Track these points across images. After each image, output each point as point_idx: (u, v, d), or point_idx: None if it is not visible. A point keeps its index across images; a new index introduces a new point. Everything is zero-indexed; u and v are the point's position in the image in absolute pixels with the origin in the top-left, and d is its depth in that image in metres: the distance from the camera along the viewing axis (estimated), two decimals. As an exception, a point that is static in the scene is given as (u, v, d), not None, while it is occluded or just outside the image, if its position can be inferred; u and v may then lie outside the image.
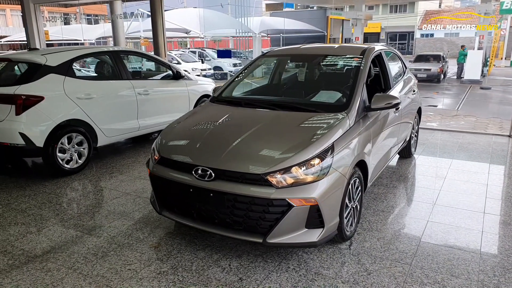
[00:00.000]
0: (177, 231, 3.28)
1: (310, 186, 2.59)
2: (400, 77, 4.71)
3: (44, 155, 4.34)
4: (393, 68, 4.56)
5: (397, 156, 5.07)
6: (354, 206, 3.11)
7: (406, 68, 5.00)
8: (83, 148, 4.72)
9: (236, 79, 4.06)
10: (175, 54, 20.61)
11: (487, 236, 3.16)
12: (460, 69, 18.31)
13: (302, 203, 2.57)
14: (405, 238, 3.14)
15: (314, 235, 2.67)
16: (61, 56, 4.60)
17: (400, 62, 4.91)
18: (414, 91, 4.92)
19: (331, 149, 2.75)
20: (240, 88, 4.21)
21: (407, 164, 4.99)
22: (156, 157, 3.08)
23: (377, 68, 4.22)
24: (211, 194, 2.71)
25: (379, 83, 4.23)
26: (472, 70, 17.18)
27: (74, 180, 4.48)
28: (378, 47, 4.13)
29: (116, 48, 5.37)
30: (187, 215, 2.94)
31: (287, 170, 2.59)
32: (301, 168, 2.61)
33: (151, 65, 7.86)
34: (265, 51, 5.18)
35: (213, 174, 2.68)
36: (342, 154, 2.82)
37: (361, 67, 3.57)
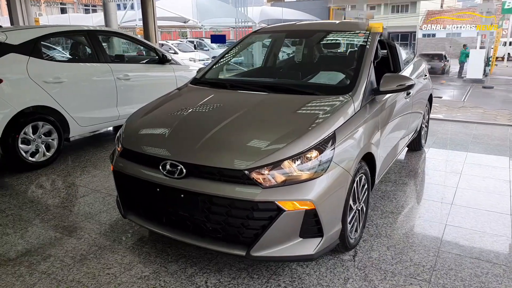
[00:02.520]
0: (150, 237, 2.75)
1: (306, 185, 2.06)
2: (410, 60, 4.15)
3: (3, 146, 3.80)
4: (402, 50, 3.99)
5: (405, 149, 4.52)
6: (360, 208, 2.58)
7: (414, 53, 4.42)
8: (52, 139, 4.18)
9: (223, 59, 3.50)
10: (172, 44, 20.01)
11: (518, 244, 2.64)
12: (462, 68, 17.73)
13: (295, 206, 2.04)
14: (421, 247, 2.61)
15: (311, 247, 2.13)
16: (25, 34, 4.04)
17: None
18: (425, 75, 4.36)
19: (332, 138, 2.21)
20: (228, 70, 3.66)
21: (417, 157, 4.44)
22: (119, 149, 2.54)
23: (386, 51, 3.67)
24: (182, 195, 2.17)
25: (387, 65, 3.67)
26: (474, 69, 16.62)
27: (40, 175, 3.94)
28: (386, 25, 3.56)
29: (92, 28, 4.80)
30: (156, 219, 2.41)
31: (276, 164, 2.05)
32: (294, 163, 2.07)
33: (141, 50, 7.27)
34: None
35: (184, 170, 2.15)
36: (345, 145, 2.28)
37: (368, 44, 3.01)
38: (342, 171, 2.21)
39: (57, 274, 2.31)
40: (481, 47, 16.70)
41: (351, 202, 2.39)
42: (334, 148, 2.18)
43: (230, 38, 23.90)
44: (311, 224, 2.11)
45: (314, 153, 2.12)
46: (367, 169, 2.60)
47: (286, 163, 2.06)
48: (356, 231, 2.57)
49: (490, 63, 18.33)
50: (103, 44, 5.07)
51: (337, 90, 2.74)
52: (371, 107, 2.71)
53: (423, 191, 3.58)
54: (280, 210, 2.03)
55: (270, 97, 2.73)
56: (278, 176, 2.05)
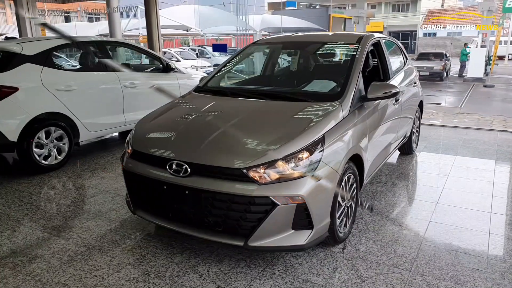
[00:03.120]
0: (156, 232, 3.00)
1: (297, 183, 2.30)
2: (401, 68, 4.41)
3: (18, 151, 4.07)
4: (393, 58, 4.26)
5: (397, 152, 4.77)
6: (349, 205, 2.82)
7: (407, 59, 4.70)
8: (63, 144, 4.44)
9: (224, 68, 3.77)
10: (175, 52, 20.38)
11: (494, 238, 2.86)
12: (463, 68, 17.98)
13: (287, 201, 2.28)
14: (405, 241, 2.84)
15: (302, 238, 2.38)
16: (39, 45, 4.32)
17: (400, 52, 4.61)
18: (415, 83, 4.62)
19: (321, 141, 2.46)
20: (229, 78, 3.92)
21: (408, 161, 4.69)
22: (129, 151, 2.79)
23: (376, 60, 3.93)
24: (187, 192, 2.42)
25: (378, 74, 3.93)
26: (475, 68, 16.87)
27: (51, 178, 4.20)
28: (377, 34, 3.83)
29: (100, 39, 5.09)
30: (162, 215, 2.66)
31: (271, 164, 2.30)
32: (287, 163, 2.32)
33: (146, 59, 7.56)
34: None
35: (188, 169, 2.40)
36: (334, 147, 2.53)
37: (357, 55, 3.28)
38: (331, 170, 2.46)
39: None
40: (482, 46, 16.91)
41: (339, 199, 2.63)
42: (323, 150, 2.43)
43: (232, 46, 24.28)
44: (302, 217, 2.35)
45: (305, 154, 2.36)
46: (356, 170, 2.84)
47: (279, 162, 2.31)
48: (345, 226, 2.80)
49: (490, 62, 18.57)
50: (109, 53, 5.36)
51: (328, 97, 3.00)
52: (360, 113, 2.96)
53: (411, 191, 3.82)
54: (274, 205, 2.27)
55: (267, 104, 2.99)
56: (272, 174, 2.29)
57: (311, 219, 2.37)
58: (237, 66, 4.01)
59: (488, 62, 18.35)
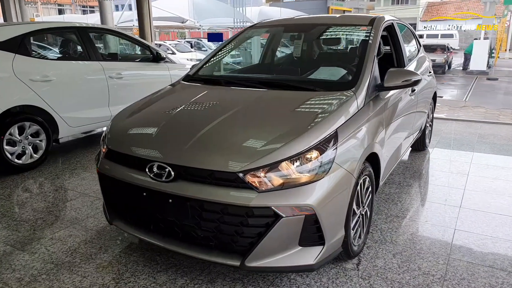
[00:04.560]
0: (138, 244, 2.57)
1: (305, 189, 1.88)
2: (414, 56, 3.97)
3: (-13, 148, 3.62)
4: (406, 44, 3.81)
5: (409, 149, 4.34)
6: (363, 213, 2.40)
7: (420, 45, 4.25)
8: (40, 140, 3.99)
9: (218, 54, 3.32)
10: (170, 44, 19.84)
11: (533, 251, 2.46)
12: (468, 60, 17.56)
13: (294, 212, 1.86)
14: (429, 254, 2.42)
15: (311, 256, 1.95)
16: (10, 31, 3.85)
17: (413, 37, 4.16)
18: (430, 72, 4.19)
19: (333, 138, 2.02)
20: (224, 67, 3.48)
21: (421, 158, 4.26)
22: (104, 150, 2.36)
23: (388, 47, 3.50)
24: (170, 200, 1.99)
25: (390, 62, 3.49)
26: (478, 60, 16.49)
27: (25, 178, 3.75)
28: (388, 17, 3.38)
29: (83, 25, 4.62)
30: (143, 226, 2.23)
31: (273, 166, 1.87)
32: (293, 164, 1.89)
33: (136, 49, 7.08)
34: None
35: (172, 173, 1.97)
36: (348, 145, 2.10)
37: (371, 38, 2.83)
38: (345, 173, 2.03)
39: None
40: (485, 38, 16.51)
41: (354, 206, 2.21)
42: (336, 148, 2.00)
43: (229, 37, 23.71)
44: (311, 232, 1.93)
45: (315, 154, 1.94)
46: (371, 171, 2.42)
47: (283, 164, 1.88)
48: (359, 237, 2.38)
49: (493, 54, 18.19)
50: (97, 42, 4.89)
51: (339, 85, 2.57)
52: (375, 104, 2.53)
53: (429, 193, 3.40)
54: (277, 216, 1.84)
55: (267, 94, 2.55)
56: (275, 179, 1.86)
57: (322, 233, 1.94)
58: (233, 53, 3.57)
59: (490, 54, 17.97)
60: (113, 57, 5.35)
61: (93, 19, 20.67)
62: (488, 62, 17.14)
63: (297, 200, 1.85)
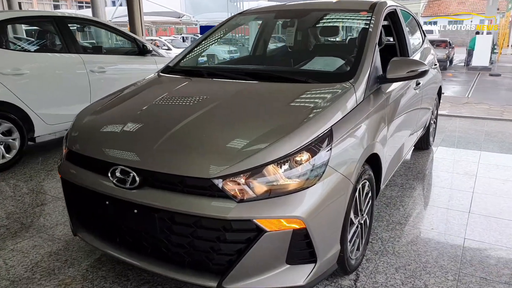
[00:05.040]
0: (109, 258, 2.28)
1: (294, 198, 1.58)
2: (419, 47, 3.67)
3: (-49, 148, 3.32)
4: (410, 33, 3.51)
5: (412, 147, 4.05)
6: (363, 222, 2.11)
7: (424, 35, 3.95)
8: (13, 139, 3.69)
9: (202, 43, 3.01)
10: (165, 40, 19.51)
11: (555, 264, 2.17)
12: (471, 56, 17.24)
13: (280, 225, 1.56)
14: (436, 268, 2.14)
15: (301, 276, 1.66)
16: (-23, 19, 3.55)
17: (417, 26, 3.85)
18: (435, 64, 3.89)
19: (328, 136, 1.73)
20: (209, 57, 3.17)
21: (425, 157, 3.97)
22: (65, 151, 2.06)
23: (390, 38, 3.20)
24: (136, 211, 1.70)
25: (393, 53, 3.19)
26: (481, 56, 16.20)
27: (-4, 180, 3.46)
28: (391, 2, 3.07)
29: (59, 14, 4.30)
30: (109, 238, 1.93)
31: (257, 171, 1.57)
32: (280, 168, 1.60)
33: (124, 42, 6.76)
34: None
35: (137, 179, 1.67)
36: (345, 145, 1.80)
37: (371, 24, 2.53)
38: (341, 178, 1.73)
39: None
40: (488, 33, 16.21)
41: (352, 215, 1.92)
42: (331, 149, 1.71)
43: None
44: (301, 248, 1.64)
45: (306, 155, 1.64)
46: (372, 174, 2.13)
47: (269, 168, 1.58)
48: (357, 249, 2.09)
49: (495, 50, 17.91)
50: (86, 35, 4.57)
51: (336, 77, 2.27)
52: (376, 99, 2.23)
53: (434, 196, 3.10)
54: (260, 231, 1.55)
55: (252, 86, 2.25)
56: (258, 186, 1.57)
57: (313, 249, 1.65)
58: (231, 54, 3.26)
59: (493, 50, 17.67)
60: (97, 50, 5.04)
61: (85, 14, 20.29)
62: (490, 57, 16.85)
63: (284, 211, 1.56)
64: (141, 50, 4.90)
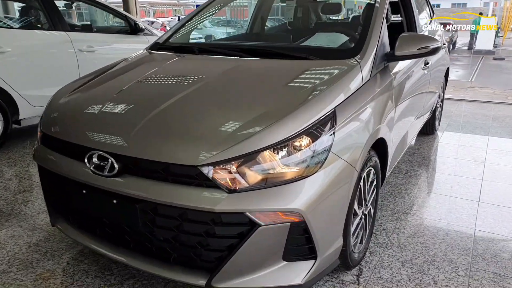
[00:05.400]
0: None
1: (292, 188, 1.40)
2: (427, 25, 3.44)
3: None
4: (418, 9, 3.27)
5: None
6: (367, 212, 1.94)
7: (433, 13, 3.71)
8: (-4, 122, 3.50)
9: (195, 18, 2.78)
10: (163, 21, 19.09)
11: None
12: (474, 39, 16.89)
13: (276, 219, 1.39)
14: (446, 262, 1.98)
15: (299, 273, 1.49)
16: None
17: (425, 3, 3.61)
18: (444, 44, 3.66)
19: (331, 119, 1.54)
20: (207, 38, 2.94)
21: (430, 142, 3.79)
22: (39, 134, 1.87)
23: (397, 15, 2.96)
24: (115, 201, 1.52)
25: (400, 31, 2.97)
26: (485, 39, 15.87)
27: (-23, 165, 3.28)
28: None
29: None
30: (89, 231, 1.76)
31: (250, 157, 1.38)
32: (277, 154, 1.41)
33: (122, 23, 6.48)
34: None
35: (116, 165, 1.48)
36: (350, 129, 1.61)
37: (378, -2, 2.30)
38: (344, 165, 1.55)
39: None
40: (492, 15, 15.87)
41: (355, 206, 1.74)
42: (334, 133, 1.52)
43: (226, 16, 22.69)
44: (299, 243, 1.47)
45: (305, 140, 1.45)
46: (377, 161, 1.95)
47: (265, 154, 1.40)
48: (361, 242, 1.93)
49: (499, 34, 17.56)
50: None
51: (340, 53, 2.07)
52: (383, 78, 2.03)
53: (441, 184, 2.93)
54: (253, 225, 1.38)
55: (247, 63, 2.04)
56: (251, 174, 1.39)
57: (313, 244, 1.48)
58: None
59: (497, 34, 17.30)
60: (86, 28, 4.79)
61: None
62: (494, 41, 16.52)
63: (280, 203, 1.38)
64: (133, 29, 4.65)
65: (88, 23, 5.48)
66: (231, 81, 1.83)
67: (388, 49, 2.14)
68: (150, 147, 1.46)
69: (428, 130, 3.86)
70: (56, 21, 3.95)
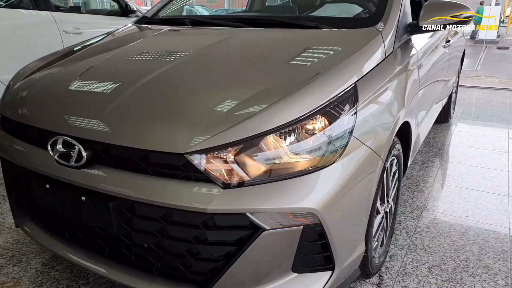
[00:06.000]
0: (68, 250, 1.82)
1: (304, 182, 1.10)
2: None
3: None
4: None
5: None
6: (388, 209, 1.65)
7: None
8: (-29, 109, 3.17)
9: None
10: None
11: None
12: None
13: (284, 221, 1.09)
14: (481, 269, 1.69)
15: (313, 287, 1.20)
16: None
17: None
18: (462, 23, 3.34)
19: (351, 96, 1.23)
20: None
21: (445, 131, 3.49)
22: (-2, 117, 1.56)
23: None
24: (84, 198, 1.22)
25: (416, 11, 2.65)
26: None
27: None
28: None
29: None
30: (57, 233, 1.47)
31: (250, 143, 1.08)
32: (284, 139, 1.11)
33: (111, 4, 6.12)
34: None
35: (84, 154, 1.18)
36: (373, 109, 1.31)
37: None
38: (368, 153, 1.25)
39: None
40: (496, 4, 15.57)
41: (378, 204, 1.45)
42: (355, 113, 1.22)
43: (225, 6, 22.20)
44: (313, 251, 1.17)
45: (320, 122, 1.15)
46: (400, 149, 1.65)
47: (269, 139, 1.10)
48: (381, 245, 1.64)
49: (502, 24, 17.25)
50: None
51: (357, 22, 1.77)
52: (406, 53, 1.73)
53: (463, 176, 2.63)
54: (256, 229, 1.08)
55: (246, 34, 1.73)
56: (253, 164, 1.09)
57: (330, 253, 1.18)
58: None
59: (500, 23, 16.97)
60: (74, 9, 4.45)
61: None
62: (497, 30, 16.22)
63: (290, 200, 1.08)
64: (124, 10, 4.31)
65: (78, 5, 5.14)
66: (227, 53, 1.52)
67: (410, 19, 1.83)
68: (125, 131, 1.15)
69: (443, 117, 3.57)
70: (40, 0, 3.62)
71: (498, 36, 16.50)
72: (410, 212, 2.14)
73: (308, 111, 1.12)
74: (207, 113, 1.13)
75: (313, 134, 1.13)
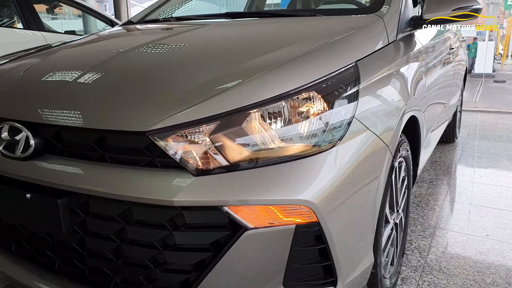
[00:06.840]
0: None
1: (298, 169, 0.88)
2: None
3: None
4: None
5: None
6: (398, 220, 1.41)
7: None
8: None
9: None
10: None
11: None
12: (472, 64, 16.90)
13: (273, 218, 0.86)
14: (509, 291, 1.42)
15: (309, 309, 0.95)
16: None
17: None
18: (463, 38, 3.25)
19: (353, 74, 1.04)
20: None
21: (452, 151, 3.29)
22: None
23: None
24: (28, 196, 1.00)
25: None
26: (483, 63, 15.90)
27: None
28: None
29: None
30: (1, 243, 1.23)
31: (229, 120, 0.87)
32: (270, 119, 0.90)
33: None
34: None
35: (32, 141, 0.98)
36: (378, 94, 1.12)
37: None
38: (374, 140, 1.04)
39: None
40: (490, 40, 15.97)
41: (387, 209, 1.22)
42: (357, 92, 1.02)
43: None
44: (309, 259, 0.93)
45: (316, 100, 0.95)
46: (409, 150, 1.44)
47: (252, 117, 0.89)
48: (391, 263, 1.39)
49: (495, 59, 17.63)
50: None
51: (356, 10, 1.61)
52: (407, 47, 1.56)
53: (476, 194, 2.40)
54: (236, 228, 0.85)
55: (236, 23, 1.58)
56: (233, 147, 0.87)
57: (331, 262, 0.94)
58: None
59: (494, 59, 17.36)
60: (69, 33, 4.40)
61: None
62: (493, 65, 16.57)
63: (279, 192, 0.86)
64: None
65: (74, 29, 5.09)
66: (211, 35, 1.35)
67: (412, 13, 1.68)
68: (79, 110, 0.95)
69: (448, 137, 3.37)
70: (30, 19, 3.55)
71: (493, 71, 16.81)
72: (422, 231, 1.89)
73: (301, 85, 0.93)
74: (177, 86, 0.94)
75: (307, 115, 0.93)
